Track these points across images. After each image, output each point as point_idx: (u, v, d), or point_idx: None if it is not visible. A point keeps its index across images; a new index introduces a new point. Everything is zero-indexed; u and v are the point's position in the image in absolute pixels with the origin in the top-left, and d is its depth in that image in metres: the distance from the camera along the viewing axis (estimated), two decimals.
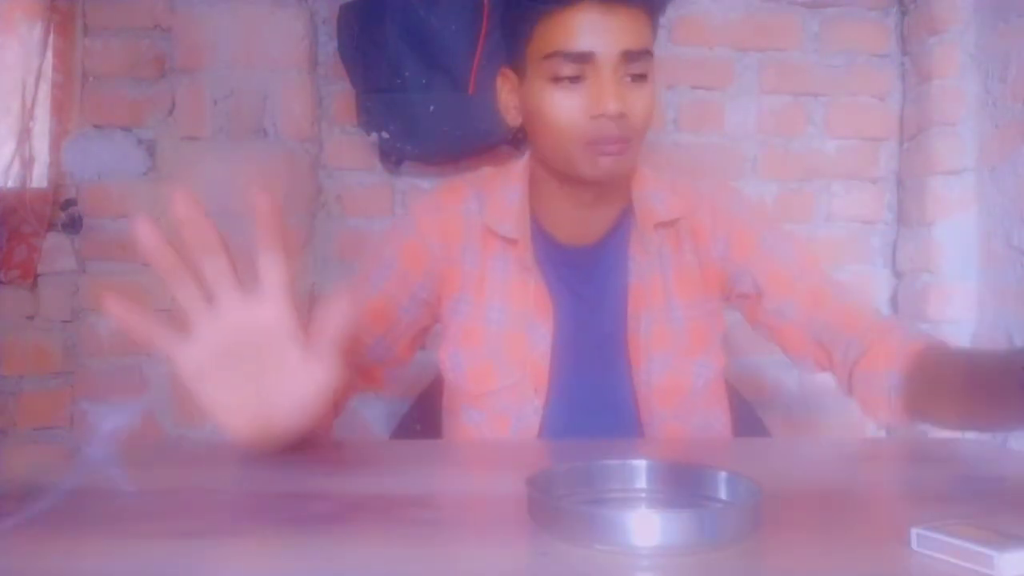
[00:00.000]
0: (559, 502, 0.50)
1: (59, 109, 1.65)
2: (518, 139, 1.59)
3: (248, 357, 0.60)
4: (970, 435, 1.53)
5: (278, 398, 0.62)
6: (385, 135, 1.60)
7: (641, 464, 0.58)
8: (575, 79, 0.83)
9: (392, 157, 1.67)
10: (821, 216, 1.75)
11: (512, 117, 0.92)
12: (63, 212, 1.67)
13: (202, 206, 0.56)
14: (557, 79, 0.83)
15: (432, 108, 1.53)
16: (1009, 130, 1.47)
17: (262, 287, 0.59)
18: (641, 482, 0.58)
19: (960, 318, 1.58)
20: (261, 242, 0.57)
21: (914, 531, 0.45)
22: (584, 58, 0.82)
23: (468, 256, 0.96)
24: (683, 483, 0.56)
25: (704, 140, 1.73)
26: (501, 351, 0.94)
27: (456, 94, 1.52)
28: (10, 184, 1.63)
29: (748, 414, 1.13)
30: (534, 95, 0.86)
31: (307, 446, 0.69)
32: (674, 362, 0.94)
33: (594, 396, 0.95)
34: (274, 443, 0.66)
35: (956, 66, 1.58)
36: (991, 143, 1.53)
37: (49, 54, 1.64)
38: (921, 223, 1.63)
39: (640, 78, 0.84)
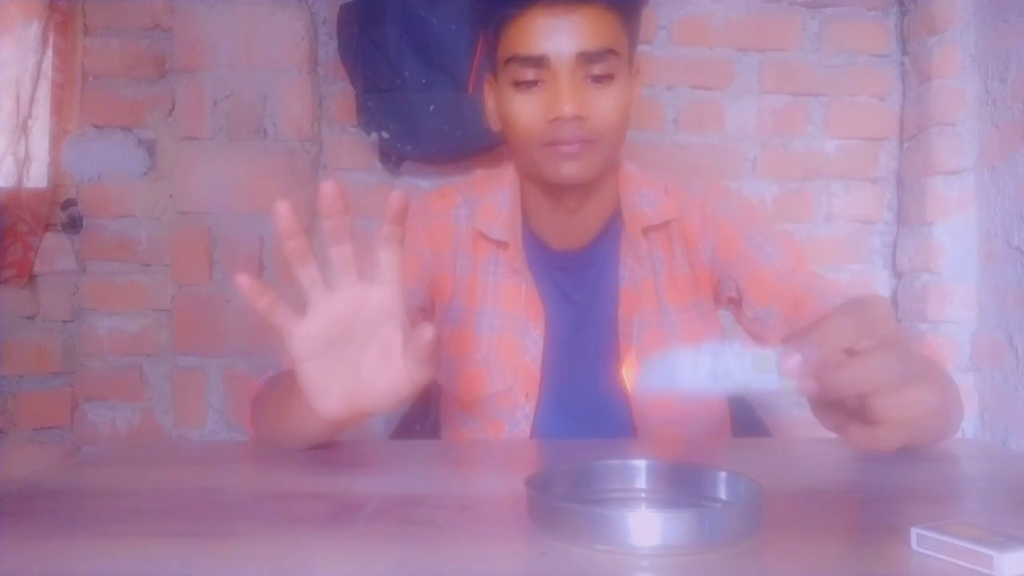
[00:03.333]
0: (559, 502, 0.50)
1: (59, 109, 1.65)
2: None
3: (355, 338, 0.62)
4: (970, 435, 1.53)
5: (375, 382, 0.63)
6: (385, 135, 1.60)
7: (641, 464, 0.58)
8: (533, 83, 0.83)
9: (392, 157, 1.67)
10: (821, 216, 1.75)
11: (494, 123, 0.92)
12: (63, 212, 1.67)
13: (347, 199, 0.59)
14: (517, 84, 0.84)
15: (432, 108, 1.53)
16: (1009, 130, 1.47)
17: (378, 275, 0.61)
18: (641, 482, 0.58)
19: (960, 318, 1.58)
20: (384, 235, 0.60)
21: (914, 531, 0.45)
22: (538, 62, 0.82)
23: (459, 262, 0.96)
24: (683, 483, 0.56)
25: (704, 140, 1.73)
26: (492, 357, 0.94)
27: (456, 94, 1.52)
28: (3, 183, 1.63)
29: (748, 414, 1.13)
30: (502, 100, 0.87)
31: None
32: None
33: (586, 402, 0.95)
34: (355, 421, 0.67)
35: (956, 66, 1.58)
36: (991, 143, 1.53)
37: (50, 53, 1.64)
38: (921, 223, 1.63)
39: (604, 79, 0.83)
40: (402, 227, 0.60)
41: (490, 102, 0.92)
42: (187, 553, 0.47)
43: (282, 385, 0.72)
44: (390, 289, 0.61)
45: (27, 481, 0.63)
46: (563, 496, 0.54)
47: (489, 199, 0.96)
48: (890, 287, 1.75)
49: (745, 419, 1.10)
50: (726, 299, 0.97)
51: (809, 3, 1.72)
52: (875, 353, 0.50)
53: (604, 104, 0.83)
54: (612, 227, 0.95)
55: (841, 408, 0.56)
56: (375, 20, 1.53)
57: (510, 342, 0.94)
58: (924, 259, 1.62)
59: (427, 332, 0.59)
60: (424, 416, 1.14)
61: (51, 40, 1.65)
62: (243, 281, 0.59)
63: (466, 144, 1.59)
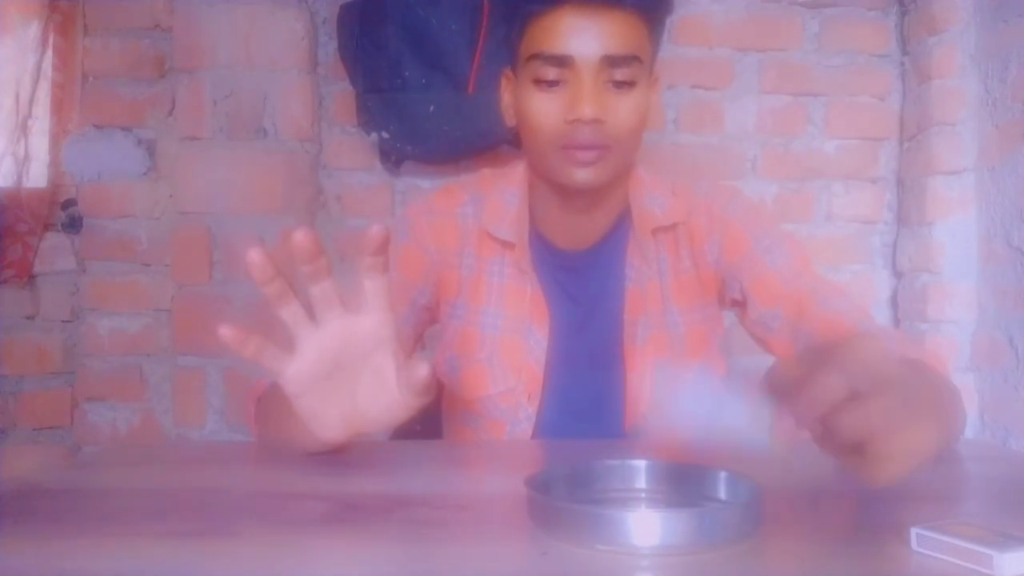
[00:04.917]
0: (559, 502, 0.50)
1: (59, 109, 1.65)
2: (518, 140, 1.59)
3: (347, 368, 0.62)
4: (970, 435, 1.53)
5: (371, 408, 0.63)
6: (385, 135, 1.60)
7: (641, 464, 0.58)
8: (554, 83, 0.82)
9: (392, 157, 1.67)
10: (821, 216, 1.75)
11: (509, 118, 0.92)
12: (63, 212, 1.67)
13: (320, 243, 0.58)
14: (538, 82, 0.83)
15: (432, 108, 1.54)
16: (1009, 130, 1.47)
17: (365, 304, 0.61)
18: (641, 482, 0.58)
19: (960, 318, 1.58)
20: (366, 266, 0.59)
21: (914, 531, 0.45)
22: (562, 61, 0.81)
23: (465, 260, 0.96)
24: (683, 483, 0.57)
25: (704, 140, 1.73)
26: (496, 356, 0.94)
27: (456, 94, 1.52)
28: (3, 183, 1.63)
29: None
30: (520, 97, 0.86)
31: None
32: (672, 369, 0.93)
33: (589, 402, 0.94)
34: (356, 438, 0.67)
35: (956, 66, 1.58)
36: (991, 143, 1.53)
37: (50, 53, 1.64)
38: (921, 223, 1.63)
39: (625, 85, 0.82)
40: (384, 257, 0.59)
41: (506, 97, 0.92)
42: (187, 553, 0.47)
43: (283, 399, 0.73)
44: (378, 317, 0.61)
45: (27, 481, 0.63)
46: (563, 496, 0.54)
47: (496, 198, 0.96)
48: (890, 287, 1.75)
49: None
50: (730, 301, 0.97)
51: (809, 3, 1.72)
52: (873, 398, 0.48)
53: (623, 110, 0.83)
54: (620, 227, 0.95)
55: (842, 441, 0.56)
56: (375, 20, 1.53)
57: (513, 343, 0.94)
58: (924, 259, 1.62)
59: (421, 369, 0.59)
60: (424, 416, 1.13)
61: (51, 40, 1.65)
62: (226, 333, 0.57)
63: (466, 144, 1.59)
